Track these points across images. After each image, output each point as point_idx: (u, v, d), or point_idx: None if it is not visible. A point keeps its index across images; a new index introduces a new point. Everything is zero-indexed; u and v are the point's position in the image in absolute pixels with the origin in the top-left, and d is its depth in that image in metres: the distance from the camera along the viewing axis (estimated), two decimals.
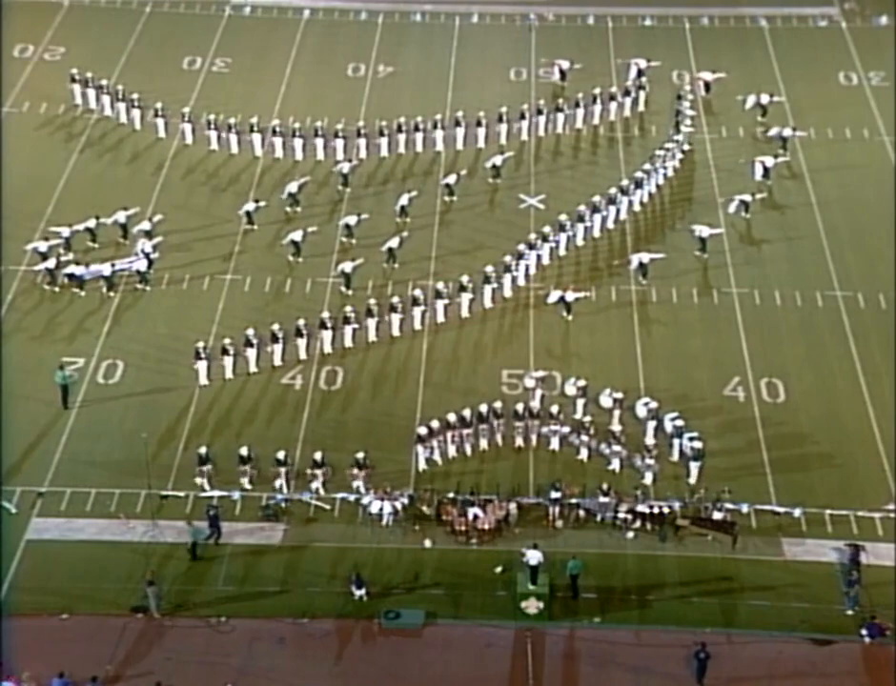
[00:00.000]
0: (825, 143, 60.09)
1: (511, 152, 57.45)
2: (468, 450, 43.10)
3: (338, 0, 71.73)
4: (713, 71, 63.51)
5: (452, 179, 56.00)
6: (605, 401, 44.42)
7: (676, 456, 42.94)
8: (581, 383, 44.73)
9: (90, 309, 49.75)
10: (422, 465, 42.48)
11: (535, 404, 44.30)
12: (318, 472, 41.60)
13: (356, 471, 41.33)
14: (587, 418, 43.42)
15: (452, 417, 42.84)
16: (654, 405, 43.89)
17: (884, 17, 70.34)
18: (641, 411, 44.02)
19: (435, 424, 42.56)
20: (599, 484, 41.01)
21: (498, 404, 43.38)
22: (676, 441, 43.04)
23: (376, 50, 67.49)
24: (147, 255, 50.87)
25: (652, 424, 43.55)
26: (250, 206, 53.84)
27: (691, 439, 42.51)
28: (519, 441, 43.61)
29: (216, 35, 68.38)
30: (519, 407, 43.69)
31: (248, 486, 41.68)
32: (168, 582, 38.60)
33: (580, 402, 44.51)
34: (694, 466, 42.13)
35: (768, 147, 58.52)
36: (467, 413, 42.98)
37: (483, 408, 43.42)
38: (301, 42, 68.24)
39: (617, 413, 44.02)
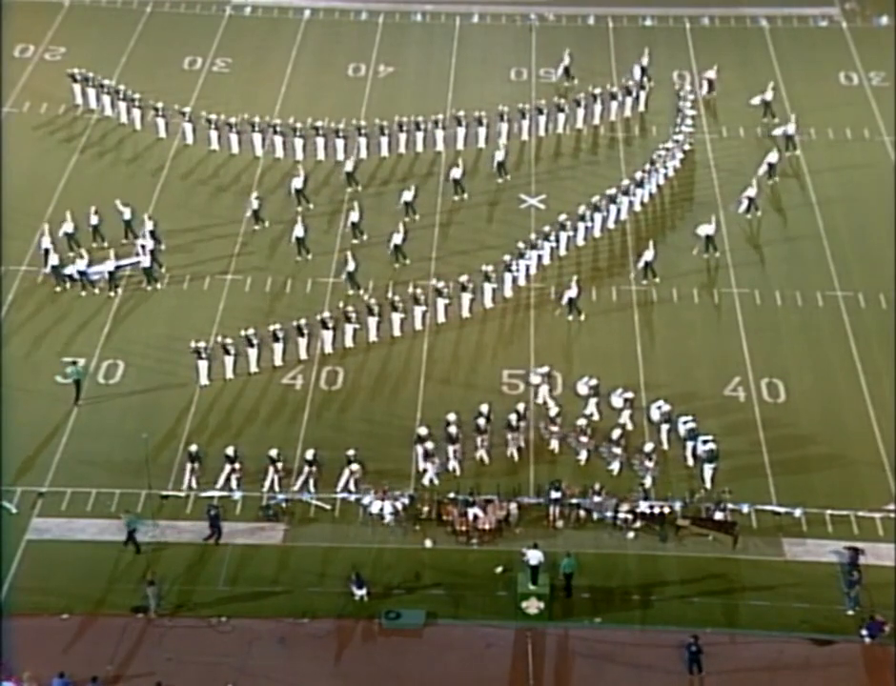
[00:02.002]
0: (826, 143, 60.07)
1: (503, 152, 57.43)
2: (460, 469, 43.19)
3: (339, 0, 71.81)
4: (716, 70, 63.67)
5: (458, 174, 55.86)
6: (616, 401, 44.46)
7: (690, 460, 42.95)
8: (593, 382, 44.71)
9: (91, 309, 49.76)
10: (423, 465, 42.51)
11: (543, 400, 44.49)
12: (309, 470, 41.66)
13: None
14: (583, 421, 43.42)
15: (452, 417, 42.91)
16: (667, 408, 43.86)
17: (884, 17, 70.37)
18: (655, 414, 44.01)
19: (430, 444, 42.40)
20: (597, 485, 41.03)
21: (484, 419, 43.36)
22: (690, 444, 43.05)
23: (377, 50, 67.51)
24: (151, 253, 50.90)
25: (665, 427, 43.59)
26: (254, 204, 53.88)
27: (705, 442, 42.49)
28: (521, 443, 43.69)
29: (217, 35, 68.41)
30: (521, 407, 43.74)
31: (234, 486, 41.82)
32: (168, 582, 38.61)
33: (592, 401, 44.54)
34: (708, 468, 42.11)
35: (771, 146, 58.59)
36: (453, 430, 42.85)
37: (484, 408, 43.46)
38: (302, 42, 68.26)
39: (627, 412, 44.10)
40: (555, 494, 40.81)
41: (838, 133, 60.72)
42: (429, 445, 42.12)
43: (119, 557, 39.60)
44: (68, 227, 51.66)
